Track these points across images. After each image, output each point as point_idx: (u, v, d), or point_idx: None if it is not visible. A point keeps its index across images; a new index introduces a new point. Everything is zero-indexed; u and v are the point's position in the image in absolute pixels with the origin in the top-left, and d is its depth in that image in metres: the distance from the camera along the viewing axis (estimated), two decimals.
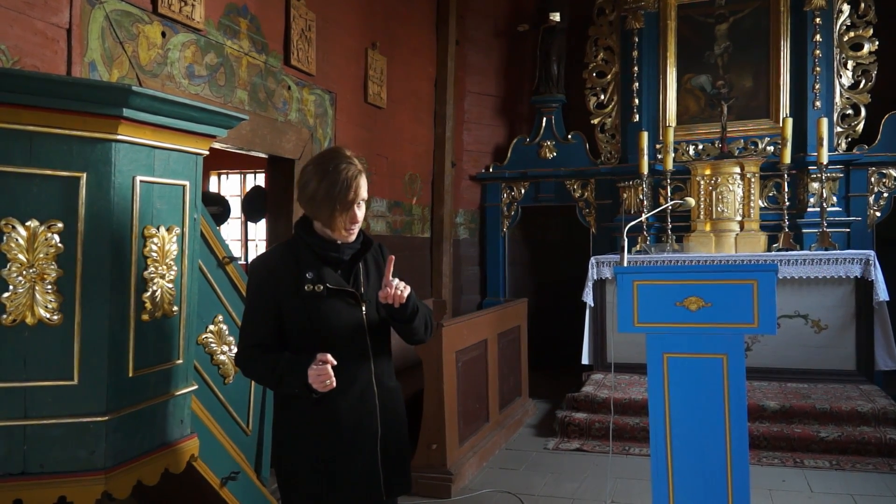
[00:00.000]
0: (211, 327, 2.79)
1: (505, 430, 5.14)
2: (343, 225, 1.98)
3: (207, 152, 2.37)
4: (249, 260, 7.33)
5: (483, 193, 7.51)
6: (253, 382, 3.01)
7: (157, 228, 2.18)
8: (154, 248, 2.15)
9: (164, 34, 3.26)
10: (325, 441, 1.99)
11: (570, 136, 7.20)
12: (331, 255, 2.01)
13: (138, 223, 2.09)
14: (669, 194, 6.39)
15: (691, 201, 3.21)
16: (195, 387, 2.43)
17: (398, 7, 5.83)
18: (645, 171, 6.40)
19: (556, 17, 6.99)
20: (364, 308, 2.03)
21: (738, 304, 2.32)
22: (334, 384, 1.87)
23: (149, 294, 2.14)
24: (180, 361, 2.32)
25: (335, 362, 1.87)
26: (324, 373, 1.85)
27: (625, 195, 6.76)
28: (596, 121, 7.15)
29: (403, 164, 6.04)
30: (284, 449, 2.05)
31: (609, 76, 7.10)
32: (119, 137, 1.99)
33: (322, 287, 1.96)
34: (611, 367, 5.91)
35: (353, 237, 2.04)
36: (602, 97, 7.14)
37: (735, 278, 2.33)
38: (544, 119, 7.27)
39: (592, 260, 6.15)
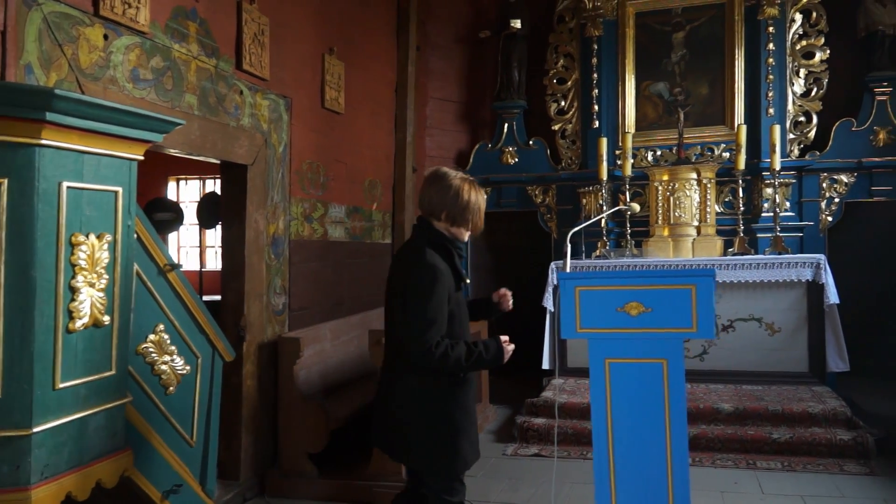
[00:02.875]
0: (151, 337, 2.73)
1: None
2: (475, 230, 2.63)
3: (142, 157, 2.32)
4: (217, 265, 7.17)
5: None
6: (197, 393, 2.95)
7: (87, 236, 2.12)
8: (83, 255, 2.10)
9: (106, 37, 3.19)
10: (469, 414, 2.53)
11: (531, 142, 7.23)
12: (460, 252, 2.58)
13: (65, 230, 2.04)
14: (629, 200, 6.46)
15: (636, 207, 3.25)
16: (129, 398, 2.37)
17: (356, 12, 5.80)
18: (604, 176, 6.46)
19: (517, 23, 7.03)
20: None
21: (678, 309, 2.34)
22: None
23: (77, 303, 2.08)
24: (113, 372, 2.26)
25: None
26: (511, 349, 2.50)
27: (585, 201, 6.81)
28: (557, 127, 7.20)
29: (363, 169, 6.00)
30: (442, 430, 2.45)
31: (569, 83, 7.16)
32: (43, 142, 1.94)
33: (468, 280, 2.60)
34: (571, 372, 5.94)
35: None
36: (563, 103, 7.19)
37: (674, 283, 2.35)
38: (506, 125, 7.30)
39: (552, 265, 6.18)
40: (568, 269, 2.61)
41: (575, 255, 6.70)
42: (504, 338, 2.48)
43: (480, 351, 2.43)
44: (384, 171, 6.48)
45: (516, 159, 7.25)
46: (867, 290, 6.69)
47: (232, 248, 4.26)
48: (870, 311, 6.65)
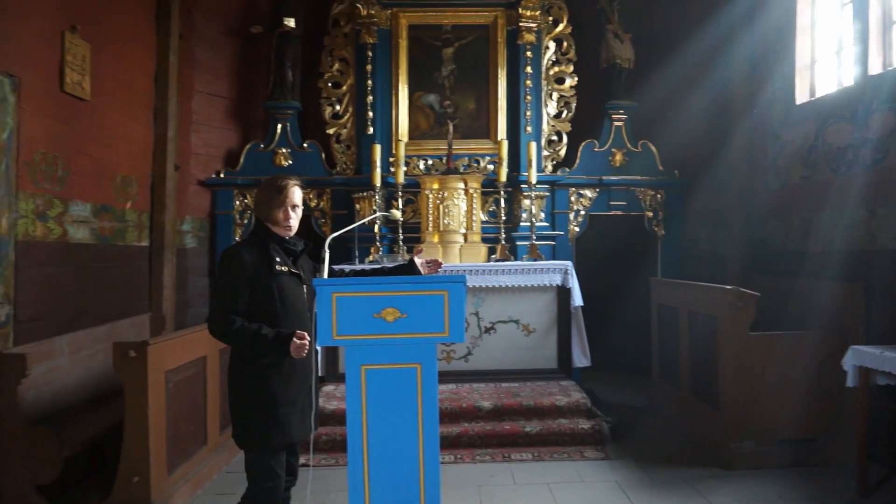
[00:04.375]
0: None
1: (226, 452, 4.82)
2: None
3: None
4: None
5: (213, 200, 7.07)
6: None
7: None
8: None
9: None
10: (280, 394, 2.74)
11: (305, 145, 7.09)
12: (285, 245, 2.85)
13: None
14: (401, 206, 6.61)
15: (397, 213, 3.30)
16: None
17: None
18: (378, 182, 6.54)
19: (291, 22, 6.86)
20: (305, 288, 2.86)
21: (431, 314, 2.39)
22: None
23: None
24: None
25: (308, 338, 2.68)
26: (304, 346, 2.66)
27: (359, 206, 6.83)
28: (332, 131, 7.14)
29: (114, 164, 5.41)
30: (250, 407, 2.72)
31: (345, 87, 7.14)
32: None
33: (287, 268, 2.80)
34: (343, 378, 5.88)
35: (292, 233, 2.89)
36: (338, 108, 7.16)
37: (428, 289, 2.40)
38: (279, 126, 7.08)
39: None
40: (325, 276, 2.55)
41: (348, 260, 6.69)
42: (302, 334, 2.66)
43: (265, 335, 2.65)
44: (141, 167, 5.91)
45: (290, 161, 7.06)
46: (607, 293, 7.55)
47: None
48: (609, 311, 7.50)
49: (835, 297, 4.77)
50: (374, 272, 3.41)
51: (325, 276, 2.59)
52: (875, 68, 4.77)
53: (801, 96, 5.66)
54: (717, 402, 4.79)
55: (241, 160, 7.06)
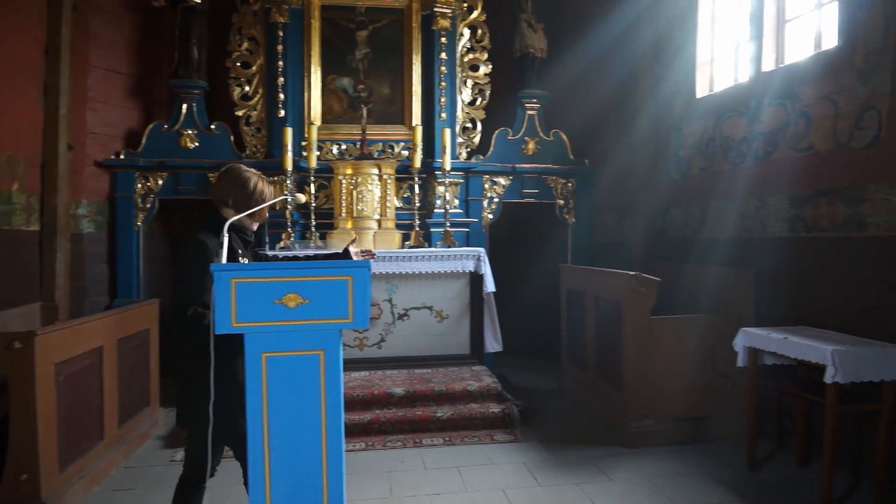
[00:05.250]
0: None
1: (126, 446, 4.62)
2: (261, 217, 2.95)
3: None
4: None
5: (113, 183, 6.69)
6: None
7: None
8: None
9: None
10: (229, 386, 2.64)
11: (213, 127, 6.82)
12: (245, 237, 2.91)
13: None
14: (314, 192, 6.47)
15: (301, 197, 3.20)
16: None
17: None
18: (290, 167, 6.38)
19: None
20: None
21: (335, 300, 2.34)
22: None
23: None
24: None
25: None
26: None
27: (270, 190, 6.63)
28: (241, 112, 6.90)
29: None
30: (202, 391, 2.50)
31: (254, 67, 6.91)
32: None
33: (247, 259, 2.87)
34: None
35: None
36: (247, 88, 6.92)
37: (332, 274, 2.34)
38: (185, 105, 6.77)
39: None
40: (224, 261, 2.45)
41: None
42: None
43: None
44: (30, 146, 5.52)
45: (197, 143, 6.77)
46: (519, 280, 7.69)
47: None
48: (521, 297, 7.65)
49: (728, 282, 5.04)
50: (306, 259, 3.38)
51: (224, 260, 2.48)
52: (768, 65, 5.04)
53: (702, 90, 5.92)
54: (620, 384, 4.97)
55: (144, 141, 6.71)
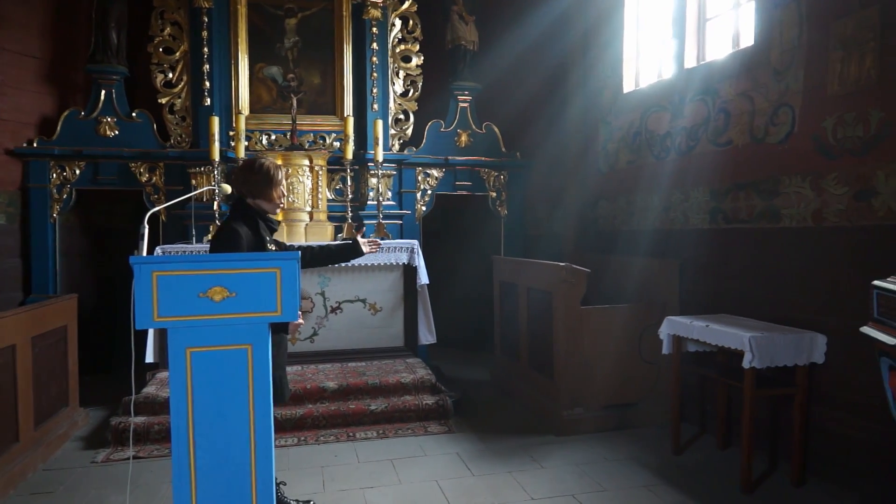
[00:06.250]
0: None
1: (43, 448, 4.39)
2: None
3: None
4: None
5: (25, 172, 6.33)
6: None
7: None
8: None
9: None
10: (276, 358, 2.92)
11: (134, 114, 6.53)
12: (270, 224, 3.14)
13: None
14: None
15: (227, 188, 3.13)
16: None
17: None
18: (217, 157, 6.19)
19: None
20: None
21: (263, 293, 2.28)
22: None
23: None
24: None
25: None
26: (301, 322, 2.95)
27: (196, 181, 6.43)
28: (164, 100, 6.64)
29: None
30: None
31: (178, 54, 6.65)
32: None
33: (274, 246, 3.11)
34: None
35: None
36: (171, 75, 6.66)
37: (259, 266, 2.29)
38: (103, 92, 6.46)
39: (158, 249, 5.72)
40: (145, 253, 2.35)
41: (183, 238, 6.30)
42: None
43: None
44: None
45: (116, 132, 6.48)
46: (453, 272, 7.71)
47: None
48: (455, 289, 7.67)
49: (654, 272, 5.20)
50: (320, 249, 3.54)
51: (144, 253, 2.37)
52: (690, 62, 5.21)
53: (628, 85, 6.07)
54: (551, 373, 5.06)
55: (59, 128, 6.37)
